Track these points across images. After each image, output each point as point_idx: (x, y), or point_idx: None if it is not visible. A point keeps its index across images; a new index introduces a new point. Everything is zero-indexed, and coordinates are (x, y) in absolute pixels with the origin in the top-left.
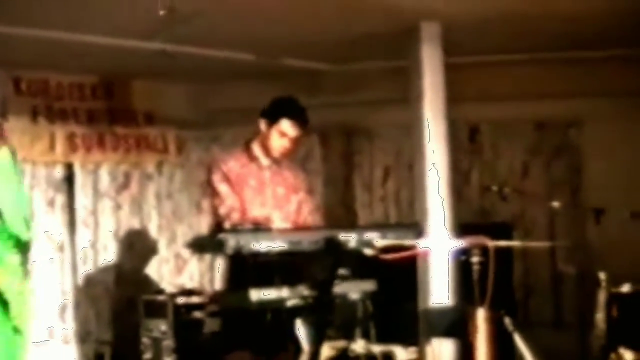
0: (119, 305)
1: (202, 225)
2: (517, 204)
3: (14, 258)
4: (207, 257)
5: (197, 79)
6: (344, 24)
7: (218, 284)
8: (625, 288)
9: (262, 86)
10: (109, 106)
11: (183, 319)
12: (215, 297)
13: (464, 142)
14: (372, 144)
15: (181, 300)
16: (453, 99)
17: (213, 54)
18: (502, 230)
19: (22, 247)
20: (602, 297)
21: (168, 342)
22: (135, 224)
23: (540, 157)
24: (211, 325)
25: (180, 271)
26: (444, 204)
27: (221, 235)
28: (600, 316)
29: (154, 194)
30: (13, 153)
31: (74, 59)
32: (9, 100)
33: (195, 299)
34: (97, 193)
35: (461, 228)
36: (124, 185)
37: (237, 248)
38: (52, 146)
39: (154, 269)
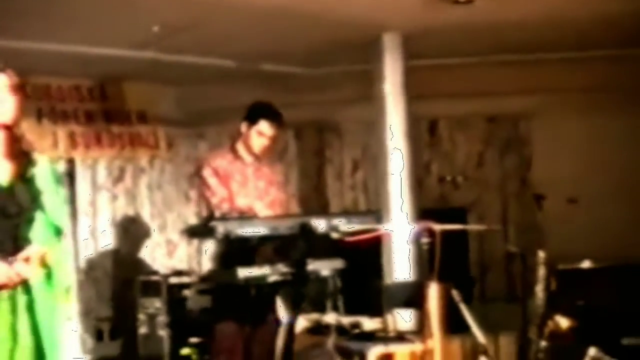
0: (117, 285)
1: (190, 213)
2: (473, 191)
3: (57, 243)
4: (195, 241)
5: (184, 82)
6: (316, 34)
7: (206, 266)
8: (561, 265)
9: (242, 88)
10: (105, 107)
11: (175, 297)
12: (206, 276)
13: (425, 135)
14: (341, 138)
15: (173, 280)
16: (414, 97)
17: (198, 61)
18: (458, 215)
19: (60, 235)
20: (541, 272)
21: (162, 318)
22: (130, 212)
23: (493, 148)
24: (200, 301)
25: (171, 254)
26: (404, 192)
27: (212, 223)
28: (539, 288)
29: (147, 186)
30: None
31: (72, 66)
32: None
33: (185, 279)
34: (95, 185)
35: (422, 213)
36: (119, 178)
37: (226, 233)
38: (55, 144)
39: (147, 253)
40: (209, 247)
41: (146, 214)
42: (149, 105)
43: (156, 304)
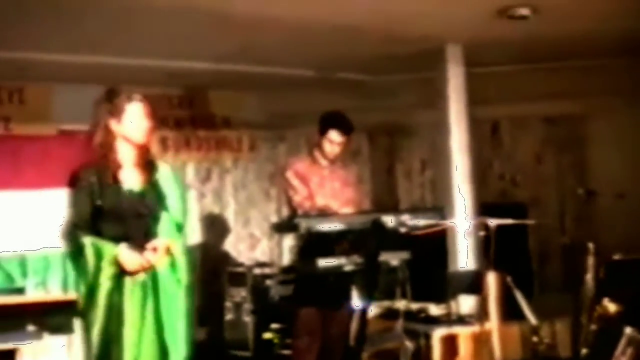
0: (204, 276)
1: (271, 210)
2: (532, 188)
3: (179, 237)
4: (275, 236)
5: (265, 89)
6: (386, 46)
7: (285, 258)
8: (613, 256)
9: (319, 94)
10: (192, 114)
11: (259, 286)
12: (289, 267)
13: (487, 136)
14: (410, 140)
15: (257, 271)
16: (478, 101)
17: (278, 71)
18: (518, 210)
19: (182, 230)
20: (590, 262)
21: (247, 305)
22: (216, 210)
23: (550, 147)
24: (281, 290)
25: (253, 248)
26: (466, 189)
27: (296, 219)
28: (589, 277)
29: (231, 185)
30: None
31: (161, 77)
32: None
33: (267, 270)
34: (185, 185)
35: (484, 208)
36: (207, 178)
37: (308, 228)
38: None
39: (232, 246)
40: (289, 241)
41: (231, 211)
42: (233, 111)
43: (242, 293)
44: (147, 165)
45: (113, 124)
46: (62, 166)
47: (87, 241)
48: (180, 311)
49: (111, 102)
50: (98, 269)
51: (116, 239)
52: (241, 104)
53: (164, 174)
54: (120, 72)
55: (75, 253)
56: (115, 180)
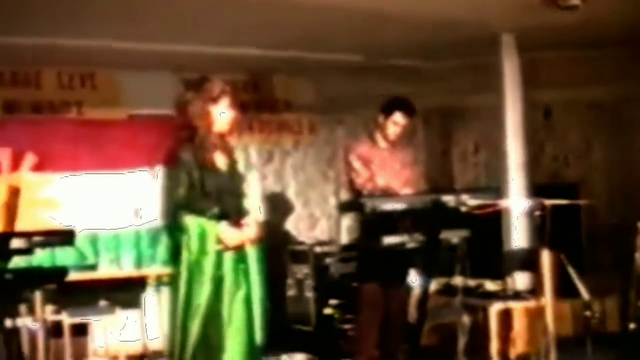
0: (268, 253)
1: (329, 191)
2: (583, 169)
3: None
4: (334, 216)
5: (324, 74)
6: (440, 32)
7: (344, 237)
8: None
9: (376, 79)
10: (256, 98)
11: (320, 263)
12: (352, 244)
13: (539, 120)
14: (464, 123)
15: (318, 249)
16: (532, 85)
17: (338, 58)
18: (570, 191)
19: (259, 212)
20: (639, 241)
21: (309, 282)
22: (278, 190)
23: (600, 130)
24: (340, 268)
25: (313, 227)
26: (520, 170)
27: (361, 199)
28: (638, 256)
29: (292, 167)
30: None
31: (229, 64)
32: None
33: (328, 248)
34: (248, 166)
35: (537, 189)
36: (268, 160)
37: (372, 208)
38: None
39: (292, 225)
40: (348, 221)
41: (291, 192)
42: (294, 95)
43: (304, 270)
44: (231, 153)
45: (209, 109)
46: (132, 149)
47: (190, 219)
48: (260, 284)
49: (205, 90)
50: (202, 245)
51: (214, 217)
52: (302, 89)
53: (242, 162)
54: (187, 59)
55: (176, 230)
56: (210, 161)
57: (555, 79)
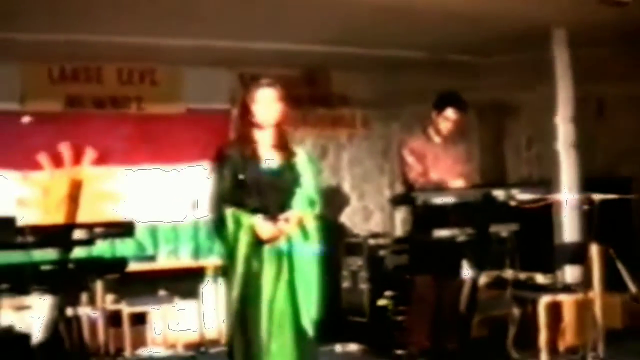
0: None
1: (384, 184)
2: (637, 163)
3: (312, 212)
4: (388, 209)
5: (379, 69)
6: (496, 27)
7: (398, 230)
8: None
9: (431, 75)
10: (311, 93)
11: (373, 255)
12: (405, 237)
13: (592, 114)
14: (517, 117)
15: (372, 241)
16: (585, 80)
17: (393, 53)
18: (623, 185)
19: (315, 206)
20: None
21: (363, 274)
22: (333, 183)
23: None
24: (394, 260)
25: (367, 220)
26: (572, 164)
27: (412, 193)
28: None
29: (347, 160)
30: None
31: (285, 59)
32: (237, 92)
33: (382, 241)
34: (320, 167)
35: (590, 183)
36: (324, 154)
37: (425, 201)
38: None
39: (347, 218)
40: (401, 214)
41: (347, 185)
42: (350, 90)
43: (358, 262)
44: (285, 148)
45: (251, 107)
46: (190, 144)
47: (228, 211)
48: (312, 278)
49: (247, 86)
50: (236, 236)
51: (256, 211)
52: (357, 84)
53: (301, 158)
54: (243, 55)
55: (219, 222)
56: (256, 157)
57: (609, 73)
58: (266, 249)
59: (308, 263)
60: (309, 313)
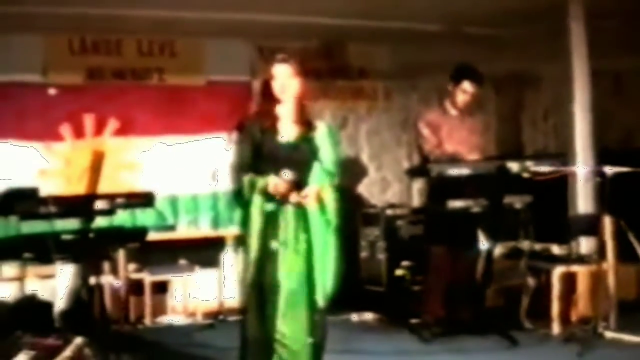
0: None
1: (402, 155)
2: None
3: (329, 184)
4: (406, 179)
5: (398, 41)
6: (511, 1)
7: (415, 200)
8: None
9: (449, 46)
10: (331, 65)
11: (391, 226)
12: (420, 208)
13: (609, 87)
14: (535, 89)
15: (389, 212)
16: (601, 53)
17: (411, 26)
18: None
19: (333, 178)
20: None
21: (380, 244)
22: (352, 154)
23: None
24: (410, 230)
25: (384, 191)
26: (586, 136)
27: (428, 165)
28: None
29: (366, 132)
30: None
31: (304, 32)
32: (256, 65)
33: (399, 211)
34: (339, 140)
35: (607, 154)
36: (343, 125)
37: (439, 173)
38: None
39: (365, 189)
40: (418, 184)
41: (365, 156)
42: (369, 62)
43: (375, 232)
44: (304, 122)
45: (270, 82)
46: (210, 115)
47: (245, 178)
48: (330, 249)
49: (267, 60)
50: (251, 197)
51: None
52: (376, 56)
53: (320, 131)
54: (262, 27)
55: (238, 190)
56: (274, 131)
57: (624, 46)
58: (283, 212)
59: (325, 235)
60: (324, 287)
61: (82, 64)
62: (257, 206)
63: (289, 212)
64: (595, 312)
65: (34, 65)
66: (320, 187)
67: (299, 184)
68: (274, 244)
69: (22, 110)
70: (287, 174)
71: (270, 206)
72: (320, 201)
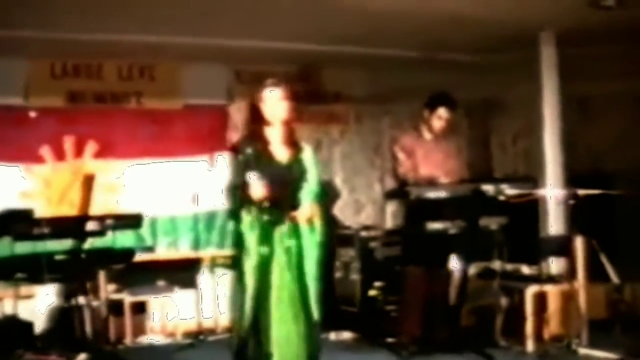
0: None
1: (374, 178)
2: (620, 161)
3: (317, 204)
4: (379, 201)
5: (374, 67)
6: (484, 32)
7: (388, 222)
8: None
9: (421, 72)
10: (306, 89)
11: (365, 247)
12: (397, 230)
13: (577, 112)
14: (504, 114)
15: (363, 233)
16: (568, 79)
17: (387, 52)
18: (607, 181)
19: (319, 199)
20: None
21: (355, 265)
22: (326, 177)
23: (638, 123)
24: (384, 252)
25: (358, 213)
26: (556, 160)
27: (407, 188)
28: None
29: (339, 155)
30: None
31: (278, 56)
32: (233, 89)
33: (373, 233)
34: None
35: (575, 179)
36: (317, 148)
37: (417, 195)
38: None
39: (339, 211)
40: (392, 207)
41: (339, 179)
42: (343, 86)
43: (350, 253)
44: (294, 144)
45: (260, 106)
46: (188, 138)
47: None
48: (317, 261)
49: (257, 88)
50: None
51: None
52: (351, 81)
53: (307, 153)
54: (240, 52)
55: (234, 210)
56: (267, 152)
57: (593, 72)
58: (277, 233)
59: (314, 248)
60: (314, 299)
61: (63, 87)
62: (254, 217)
63: (283, 225)
64: (567, 330)
65: (15, 89)
66: (315, 209)
67: (293, 206)
68: (268, 254)
69: (3, 132)
70: (253, 176)
71: (265, 218)
72: (310, 220)
